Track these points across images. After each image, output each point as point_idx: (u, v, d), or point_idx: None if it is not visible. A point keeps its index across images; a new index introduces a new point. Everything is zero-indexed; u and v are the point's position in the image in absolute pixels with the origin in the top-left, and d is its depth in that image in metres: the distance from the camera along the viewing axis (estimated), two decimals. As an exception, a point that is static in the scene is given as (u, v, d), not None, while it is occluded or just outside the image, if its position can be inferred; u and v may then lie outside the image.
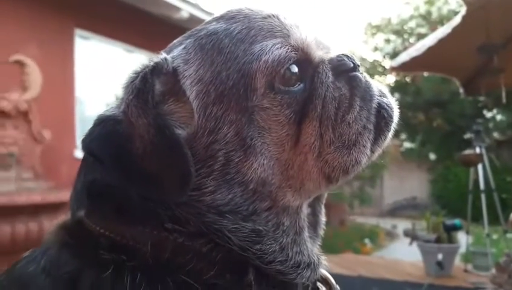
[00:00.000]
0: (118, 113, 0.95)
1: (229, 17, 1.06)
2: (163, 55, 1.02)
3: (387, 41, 27.00)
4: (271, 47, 0.99)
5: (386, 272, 8.05)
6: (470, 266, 7.93)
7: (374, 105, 1.06)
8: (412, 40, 23.91)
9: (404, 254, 9.75)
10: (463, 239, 8.26)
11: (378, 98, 1.08)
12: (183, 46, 1.05)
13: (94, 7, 7.88)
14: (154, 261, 0.92)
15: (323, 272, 1.15)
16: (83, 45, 8.40)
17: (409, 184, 22.47)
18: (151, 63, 0.98)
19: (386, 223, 16.76)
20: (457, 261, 8.31)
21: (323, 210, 1.21)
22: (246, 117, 0.97)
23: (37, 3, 7.24)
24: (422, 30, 23.92)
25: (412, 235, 8.57)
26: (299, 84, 1.02)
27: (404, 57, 8.40)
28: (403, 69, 9.44)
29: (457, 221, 7.69)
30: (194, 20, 9.12)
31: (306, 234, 1.09)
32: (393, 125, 1.10)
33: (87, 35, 8.40)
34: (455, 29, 6.76)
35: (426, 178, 23.11)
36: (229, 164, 0.97)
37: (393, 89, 25.74)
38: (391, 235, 15.40)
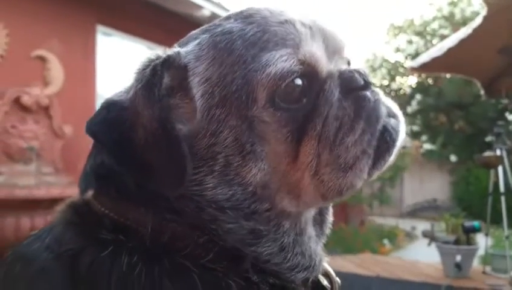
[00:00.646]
0: (125, 99, 0.97)
1: (247, 15, 1.05)
2: (177, 48, 1.03)
3: (410, 42, 26.88)
4: (277, 59, 0.96)
5: (404, 272, 7.98)
6: (488, 268, 7.84)
7: (379, 127, 1.02)
8: (434, 41, 23.78)
9: (422, 255, 9.66)
10: (482, 241, 8.18)
11: (385, 119, 1.04)
12: (198, 40, 1.04)
13: (116, 4, 7.91)
14: (152, 244, 0.94)
15: (325, 265, 1.15)
16: (105, 41, 8.45)
17: (429, 186, 22.28)
18: (164, 55, 0.99)
19: (405, 224, 16.64)
20: (476, 263, 8.22)
21: (330, 210, 1.19)
22: (246, 125, 0.97)
23: None
24: (445, 31, 23.78)
25: (430, 236, 8.52)
26: (301, 100, 1.00)
27: (424, 58, 8.32)
28: (423, 69, 9.35)
29: (476, 223, 7.60)
30: (215, 18, 8.94)
31: (308, 235, 1.09)
32: (396, 149, 1.05)
33: (109, 31, 8.45)
34: (476, 30, 6.66)
35: (447, 180, 22.89)
36: (229, 167, 0.97)
37: (415, 91, 25.68)
38: (410, 236, 15.32)
